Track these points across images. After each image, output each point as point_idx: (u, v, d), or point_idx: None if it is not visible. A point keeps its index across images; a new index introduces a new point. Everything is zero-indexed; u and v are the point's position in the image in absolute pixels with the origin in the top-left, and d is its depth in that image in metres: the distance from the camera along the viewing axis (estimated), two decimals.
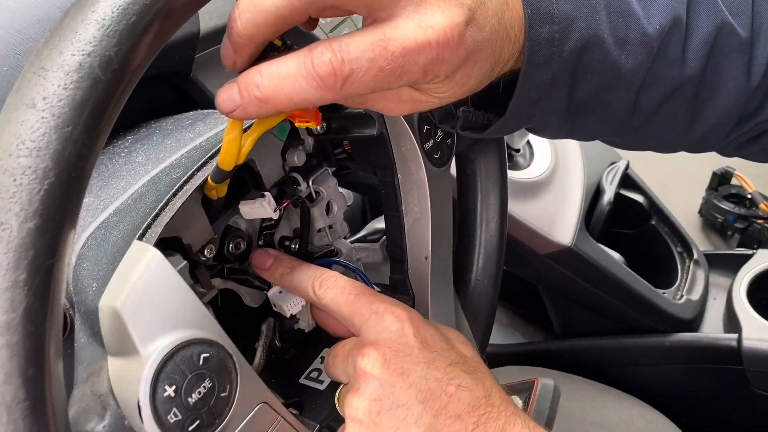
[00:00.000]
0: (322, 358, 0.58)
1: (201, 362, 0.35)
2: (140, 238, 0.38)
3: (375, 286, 0.59)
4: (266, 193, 0.49)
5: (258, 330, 0.57)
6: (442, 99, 0.37)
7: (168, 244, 0.45)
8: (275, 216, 0.50)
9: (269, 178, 0.51)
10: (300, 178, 0.55)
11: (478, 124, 0.44)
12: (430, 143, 0.54)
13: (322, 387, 0.55)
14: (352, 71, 0.31)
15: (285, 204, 0.52)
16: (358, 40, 0.31)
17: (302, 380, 0.56)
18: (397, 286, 0.59)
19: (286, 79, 0.31)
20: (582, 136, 0.46)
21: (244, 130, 0.39)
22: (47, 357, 0.27)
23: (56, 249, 0.26)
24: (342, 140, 0.56)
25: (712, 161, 1.26)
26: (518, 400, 0.59)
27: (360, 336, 0.46)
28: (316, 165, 0.57)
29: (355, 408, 0.41)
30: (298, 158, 0.53)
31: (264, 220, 0.54)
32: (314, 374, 0.57)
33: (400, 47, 0.31)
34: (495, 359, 1.11)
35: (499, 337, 1.24)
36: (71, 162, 0.26)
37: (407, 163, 0.53)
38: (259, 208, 0.49)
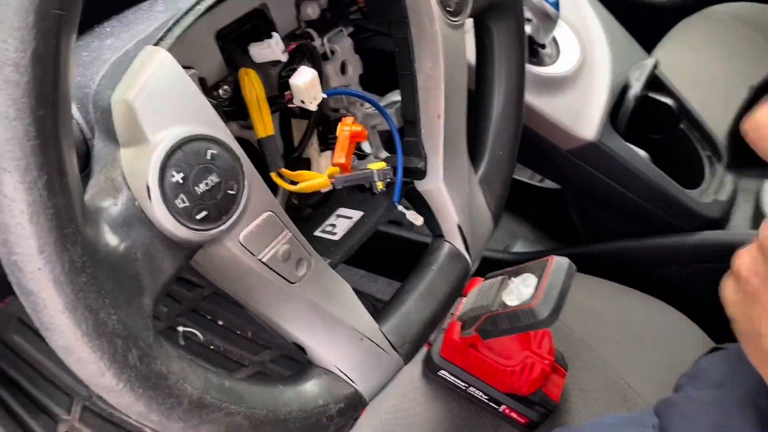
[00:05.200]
0: (338, 216, 0.60)
1: (208, 157, 0.37)
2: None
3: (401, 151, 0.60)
4: (274, 33, 0.50)
5: (275, 189, 0.58)
6: None
7: None
8: (284, 58, 0.50)
9: (282, 26, 0.52)
10: (315, 34, 0.56)
11: None
12: None
13: (335, 237, 0.57)
14: None
15: (293, 46, 0.52)
16: None
17: (317, 233, 0.58)
18: (410, 149, 0.60)
19: None
20: None
21: None
22: (57, 104, 0.29)
23: None
24: None
25: (749, 74, 1.20)
26: (533, 278, 0.59)
27: None
28: (332, 23, 0.58)
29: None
30: (312, 11, 0.54)
31: (282, 69, 0.55)
32: (329, 228, 0.58)
33: None
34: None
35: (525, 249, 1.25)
36: None
37: (421, 16, 0.53)
38: (267, 50, 0.49)
